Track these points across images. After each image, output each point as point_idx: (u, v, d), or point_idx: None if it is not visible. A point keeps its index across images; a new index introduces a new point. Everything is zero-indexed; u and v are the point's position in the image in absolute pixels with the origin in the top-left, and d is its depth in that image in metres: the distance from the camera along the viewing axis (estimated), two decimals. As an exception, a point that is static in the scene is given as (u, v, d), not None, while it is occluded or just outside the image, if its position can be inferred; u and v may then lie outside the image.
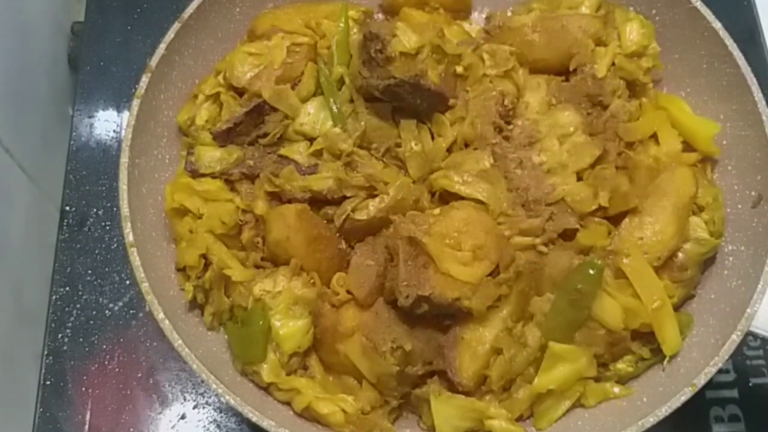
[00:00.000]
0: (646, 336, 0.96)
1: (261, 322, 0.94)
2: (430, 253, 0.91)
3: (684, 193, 0.99)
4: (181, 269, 1.01)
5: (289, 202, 1.00)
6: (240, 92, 1.06)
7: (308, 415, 0.95)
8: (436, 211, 0.96)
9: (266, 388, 0.97)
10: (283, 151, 1.03)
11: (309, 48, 1.07)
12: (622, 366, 0.97)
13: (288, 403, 0.96)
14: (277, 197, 1.01)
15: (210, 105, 1.06)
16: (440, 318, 0.95)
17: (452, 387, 0.95)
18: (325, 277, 0.98)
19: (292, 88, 1.04)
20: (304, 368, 0.98)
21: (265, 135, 1.03)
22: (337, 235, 1.00)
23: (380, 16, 1.18)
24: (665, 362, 0.96)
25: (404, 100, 1.00)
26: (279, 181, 0.99)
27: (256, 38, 1.10)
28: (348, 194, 0.99)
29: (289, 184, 0.99)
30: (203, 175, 1.03)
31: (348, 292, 0.97)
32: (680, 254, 0.98)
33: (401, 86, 0.98)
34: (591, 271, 0.93)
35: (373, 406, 0.96)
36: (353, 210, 0.99)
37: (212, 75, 1.09)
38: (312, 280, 0.97)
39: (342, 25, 1.06)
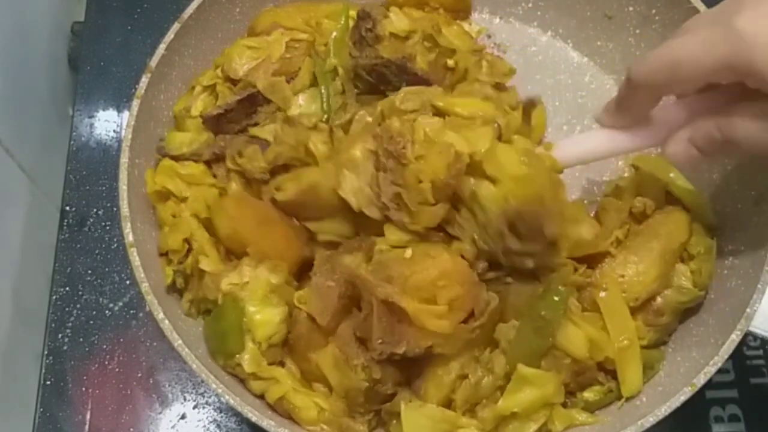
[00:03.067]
0: (612, 371, 0.95)
1: (233, 316, 0.93)
2: (407, 309, 0.89)
3: (675, 238, 0.98)
4: (164, 254, 1.00)
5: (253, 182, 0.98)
6: (237, 84, 1.06)
7: (281, 407, 0.94)
8: (408, 252, 0.92)
9: (244, 381, 0.95)
10: (253, 131, 1.02)
11: (308, 44, 1.07)
12: (589, 395, 0.96)
13: (262, 396, 0.95)
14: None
15: (206, 96, 1.06)
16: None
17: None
18: (287, 256, 0.96)
19: (288, 82, 1.04)
20: (281, 365, 0.96)
21: (255, 124, 1.03)
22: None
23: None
24: (620, 403, 0.95)
25: (390, 84, 0.99)
26: (242, 161, 0.98)
27: (257, 35, 1.10)
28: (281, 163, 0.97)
29: (251, 164, 0.97)
30: (177, 158, 1.02)
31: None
32: (659, 299, 0.97)
33: (388, 67, 0.98)
34: (555, 298, 0.92)
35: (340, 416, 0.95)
36: (276, 189, 0.96)
37: (211, 69, 1.09)
38: (277, 265, 0.95)
39: (342, 22, 1.06)
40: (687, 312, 1.00)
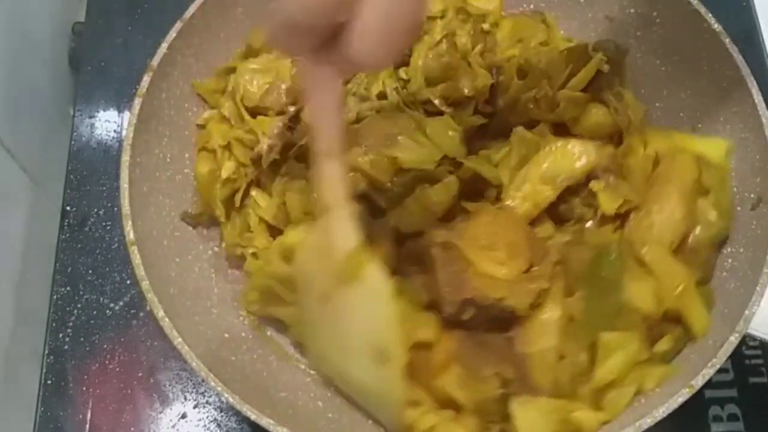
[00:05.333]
0: (675, 320, 0.96)
1: None
2: (467, 256, 0.92)
3: (687, 176, 1.00)
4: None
5: None
6: (251, 112, 1.06)
7: None
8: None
9: None
10: None
11: None
12: (664, 345, 0.96)
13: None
14: None
15: (231, 155, 1.05)
16: (494, 327, 0.95)
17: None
18: None
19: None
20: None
21: (293, 146, 1.03)
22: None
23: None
24: (699, 342, 0.96)
25: None
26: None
27: (255, 52, 1.10)
28: None
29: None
30: None
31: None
32: (691, 239, 0.99)
33: None
34: (611, 257, 0.95)
35: None
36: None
37: (213, 117, 1.09)
38: None
39: None
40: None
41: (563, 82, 1.04)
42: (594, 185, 1.01)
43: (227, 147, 1.06)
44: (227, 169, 1.04)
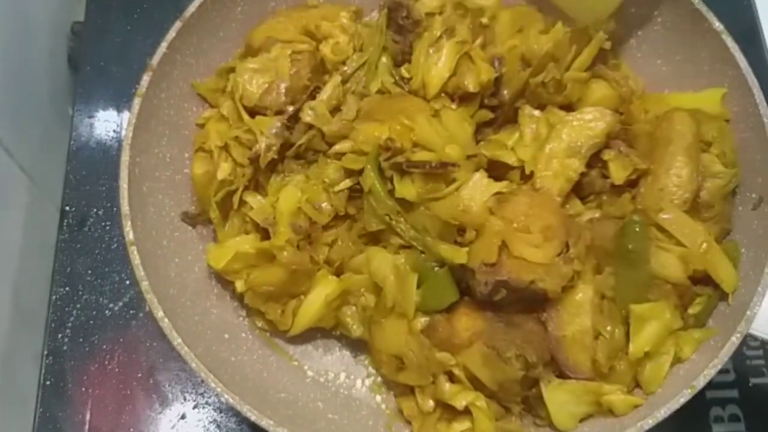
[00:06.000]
0: (704, 279, 0.97)
1: None
2: (503, 238, 0.92)
3: (686, 133, 1.00)
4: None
5: None
6: (250, 112, 1.05)
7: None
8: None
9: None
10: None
11: (310, 55, 1.07)
12: (696, 310, 0.97)
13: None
14: None
15: (227, 156, 1.05)
16: (525, 308, 0.96)
17: (561, 374, 0.95)
18: None
19: (304, 95, 1.05)
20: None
21: (291, 146, 1.03)
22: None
23: (376, 14, 1.18)
24: (730, 299, 0.96)
25: None
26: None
27: (254, 51, 1.09)
28: None
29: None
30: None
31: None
32: (703, 193, 0.99)
33: None
34: (636, 229, 0.95)
35: (497, 419, 0.96)
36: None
37: (212, 116, 1.08)
38: None
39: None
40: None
41: (568, 64, 1.05)
42: (605, 154, 1.01)
43: (224, 148, 1.05)
44: (223, 170, 1.04)
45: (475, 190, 0.96)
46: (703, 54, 1.07)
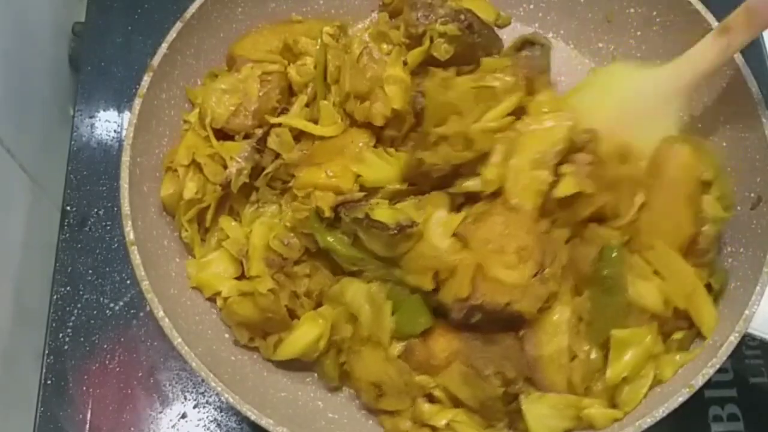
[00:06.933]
0: (686, 317, 0.96)
1: None
2: (477, 259, 0.92)
3: (689, 174, 0.98)
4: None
5: None
6: (220, 134, 1.04)
7: None
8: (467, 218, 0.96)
9: None
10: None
11: (280, 76, 1.06)
12: (679, 336, 0.96)
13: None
14: None
15: (193, 175, 1.03)
16: (501, 328, 0.95)
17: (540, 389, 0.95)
18: None
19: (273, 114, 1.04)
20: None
21: (263, 169, 1.02)
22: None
23: (374, 14, 1.19)
24: (705, 343, 0.95)
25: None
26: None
27: (234, 65, 1.09)
28: None
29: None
30: None
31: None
32: (701, 239, 0.97)
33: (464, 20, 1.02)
34: (612, 254, 0.94)
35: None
36: None
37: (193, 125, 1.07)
38: None
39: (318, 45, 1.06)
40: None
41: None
42: (565, 168, 0.97)
43: (193, 165, 1.03)
44: (189, 190, 1.02)
45: (438, 230, 0.95)
46: (702, 54, 1.07)
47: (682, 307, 0.94)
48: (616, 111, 1.03)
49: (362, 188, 0.98)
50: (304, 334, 0.98)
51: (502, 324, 0.95)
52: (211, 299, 1.03)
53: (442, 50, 1.02)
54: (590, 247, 0.96)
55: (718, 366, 0.90)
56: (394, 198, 0.99)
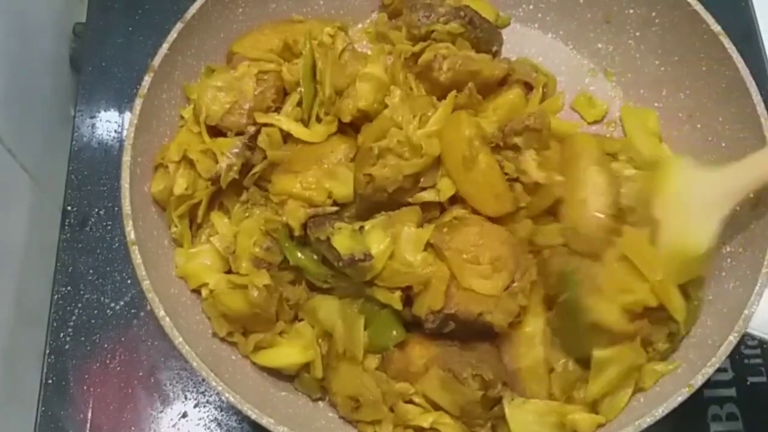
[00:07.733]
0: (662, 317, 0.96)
1: None
2: (452, 269, 0.92)
3: (592, 148, 1.00)
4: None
5: None
6: (213, 131, 1.04)
7: None
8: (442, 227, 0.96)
9: None
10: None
11: (276, 75, 1.06)
12: (658, 345, 0.96)
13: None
14: None
15: (184, 170, 1.03)
16: (476, 338, 0.95)
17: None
18: None
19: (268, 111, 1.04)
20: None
21: (252, 167, 1.02)
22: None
23: (374, 15, 1.19)
24: (682, 330, 0.96)
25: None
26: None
27: (220, 69, 1.09)
28: None
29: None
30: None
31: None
32: (623, 198, 0.98)
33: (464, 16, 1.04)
34: (570, 279, 0.93)
35: None
36: None
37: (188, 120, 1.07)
38: None
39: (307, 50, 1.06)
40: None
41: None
42: (529, 154, 0.97)
43: (184, 161, 1.03)
44: (179, 186, 1.02)
45: (409, 246, 0.94)
46: (701, 55, 1.07)
47: (654, 305, 0.93)
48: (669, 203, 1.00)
49: (335, 203, 0.98)
50: (289, 355, 0.99)
51: (476, 334, 0.95)
52: (197, 291, 1.03)
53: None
54: (556, 259, 0.96)
55: (717, 365, 0.90)
56: (366, 213, 0.99)
